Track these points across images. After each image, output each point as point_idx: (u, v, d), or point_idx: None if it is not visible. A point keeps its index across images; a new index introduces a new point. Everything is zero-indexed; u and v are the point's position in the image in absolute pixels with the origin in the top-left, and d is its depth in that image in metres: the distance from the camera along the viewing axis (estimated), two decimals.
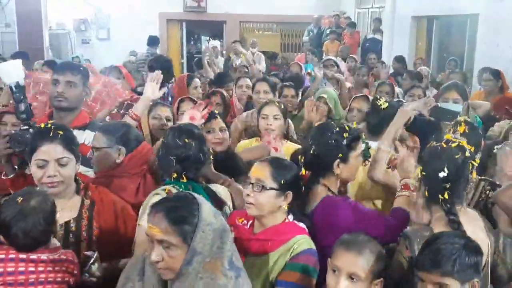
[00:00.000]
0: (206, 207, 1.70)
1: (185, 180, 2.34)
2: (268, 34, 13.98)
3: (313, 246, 2.10)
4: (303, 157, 2.45)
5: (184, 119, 3.01)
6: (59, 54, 11.50)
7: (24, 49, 9.82)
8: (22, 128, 2.60)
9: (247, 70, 6.97)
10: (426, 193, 2.10)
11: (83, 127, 2.90)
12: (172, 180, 2.34)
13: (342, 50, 9.70)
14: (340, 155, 2.36)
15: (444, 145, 2.10)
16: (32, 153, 2.19)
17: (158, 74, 3.23)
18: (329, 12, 12.98)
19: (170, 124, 3.41)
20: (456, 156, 2.06)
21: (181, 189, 2.24)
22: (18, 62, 2.86)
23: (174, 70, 10.79)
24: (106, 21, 12.95)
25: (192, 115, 3.06)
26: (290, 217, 2.17)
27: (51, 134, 2.18)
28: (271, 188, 2.09)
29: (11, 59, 5.22)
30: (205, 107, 3.01)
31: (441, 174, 2.05)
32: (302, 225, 2.16)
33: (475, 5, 7.62)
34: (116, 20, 12.81)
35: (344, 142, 2.38)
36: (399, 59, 7.82)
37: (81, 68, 2.98)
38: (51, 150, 2.17)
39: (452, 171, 2.04)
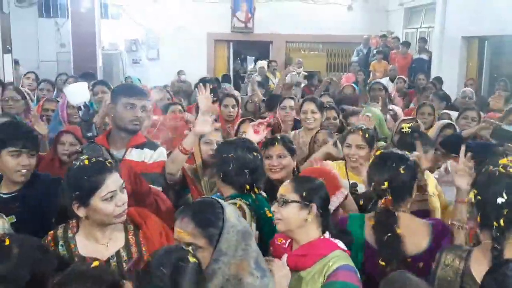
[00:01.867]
0: (230, 210, 1.80)
1: (257, 192, 2.49)
2: (314, 54, 14.01)
3: (351, 263, 2.07)
4: None
5: (249, 133, 3.18)
6: (111, 74, 11.88)
7: (79, 68, 10.23)
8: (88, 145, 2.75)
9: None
10: (479, 219, 2.03)
11: (141, 146, 3.04)
12: (245, 192, 2.46)
13: (391, 70, 9.60)
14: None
15: (502, 170, 2.05)
16: (93, 191, 2.02)
17: (211, 108, 3.21)
18: (377, 32, 12.92)
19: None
20: None
21: (247, 202, 2.35)
22: (84, 84, 3.03)
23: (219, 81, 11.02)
24: (156, 42, 13.32)
25: (256, 129, 3.22)
26: (327, 234, 2.16)
27: (108, 165, 2.10)
28: (293, 201, 2.12)
29: (79, 79, 5.47)
30: (267, 125, 3.12)
31: (500, 200, 1.97)
32: (339, 242, 2.15)
33: None
34: (165, 41, 13.16)
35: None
36: (438, 80, 7.74)
37: (147, 92, 3.15)
38: (115, 180, 2.08)
39: (510, 196, 1.97)
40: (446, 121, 4.51)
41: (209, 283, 1.69)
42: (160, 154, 3.11)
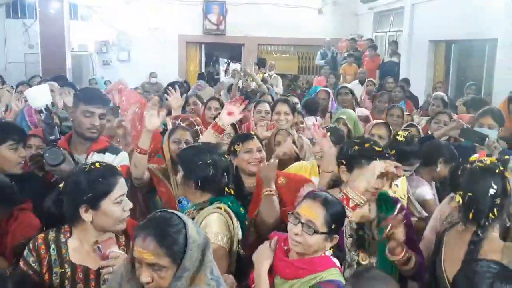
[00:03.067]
0: (191, 225, 1.75)
1: (232, 193, 2.50)
2: (286, 56, 14.10)
3: (343, 280, 2.05)
4: None
5: (223, 114, 3.17)
6: (80, 76, 11.73)
7: (47, 70, 10.08)
8: (50, 148, 2.70)
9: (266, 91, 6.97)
10: (471, 216, 2.15)
11: (103, 150, 3.00)
12: (226, 195, 2.47)
13: (361, 73, 9.74)
14: (343, 161, 2.46)
15: (481, 164, 2.16)
16: (107, 194, 2.01)
17: (154, 101, 3.25)
18: (346, 36, 13.10)
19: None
20: (497, 171, 2.13)
21: (228, 205, 2.38)
22: (46, 87, 2.98)
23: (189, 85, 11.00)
24: (127, 43, 13.21)
25: (230, 110, 3.21)
26: (328, 252, 2.14)
27: (117, 170, 2.11)
28: (322, 233, 2.05)
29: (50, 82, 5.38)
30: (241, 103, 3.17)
31: (492, 191, 2.11)
32: (336, 260, 2.13)
33: (494, 30, 7.63)
34: (136, 42, 13.07)
35: (349, 151, 2.44)
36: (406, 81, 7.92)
37: (108, 99, 3.12)
38: (123, 184, 2.09)
39: (499, 186, 2.12)
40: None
41: None
42: (123, 158, 3.07)
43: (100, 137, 3.02)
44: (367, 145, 2.44)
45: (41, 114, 2.84)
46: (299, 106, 5.59)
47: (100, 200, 1.99)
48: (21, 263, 2.03)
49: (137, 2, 12.80)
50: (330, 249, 2.13)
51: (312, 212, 2.06)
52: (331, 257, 2.14)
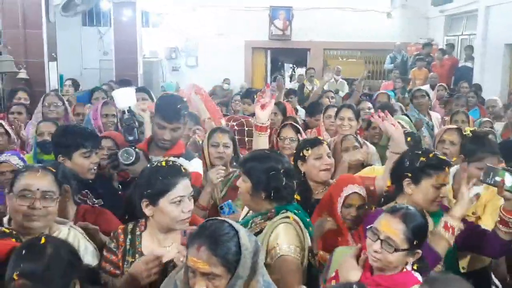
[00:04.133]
0: (242, 232, 1.73)
1: (298, 198, 2.49)
2: (352, 61, 13.93)
3: None
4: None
5: (257, 112, 2.98)
6: (151, 81, 12.12)
7: (120, 76, 10.49)
8: (125, 148, 2.82)
9: (332, 95, 6.91)
10: None
11: (178, 156, 2.98)
12: (294, 203, 2.40)
13: (432, 78, 9.44)
14: (409, 174, 2.39)
15: None
16: (164, 193, 2.08)
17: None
18: (415, 39, 12.76)
19: (228, 151, 3.24)
20: None
21: (295, 213, 2.31)
22: (132, 89, 3.11)
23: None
24: (195, 49, 13.51)
25: (261, 103, 2.97)
26: (409, 266, 2.05)
27: (183, 171, 2.15)
28: (403, 250, 1.97)
29: (117, 86, 5.61)
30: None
31: None
32: (418, 275, 2.04)
33: None
34: (204, 48, 13.34)
35: (417, 164, 2.39)
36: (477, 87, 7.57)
37: (186, 113, 3.15)
38: (186, 186, 2.14)
39: None
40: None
41: None
42: (196, 166, 3.13)
43: (178, 142, 3.11)
44: (431, 155, 2.41)
45: (124, 115, 2.97)
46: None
47: (159, 197, 2.08)
48: (105, 251, 2.19)
49: (205, 9, 13.07)
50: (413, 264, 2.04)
51: (391, 229, 1.97)
52: (413, 272, 2.04)
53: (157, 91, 10.99)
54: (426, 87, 8.82)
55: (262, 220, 2.30)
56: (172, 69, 13.59)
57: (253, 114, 5.11)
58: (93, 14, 12.88)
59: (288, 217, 2.26)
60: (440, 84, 8.24)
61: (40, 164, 2.34)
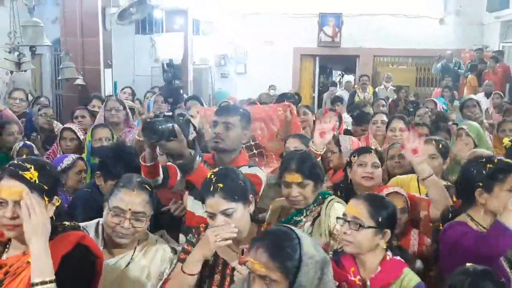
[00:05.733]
0: (307, 241, 1.72)
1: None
2: (403, 68, 13.68)
3: (419, 279, 2.14)
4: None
5: (315, 137, 3.14)
6: (200, 87, 12.31)
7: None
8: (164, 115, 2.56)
9: (384, 104, 6.83)
10: None
11: (241, 167, 2.86)
12: None
13: (487, 85, 9.16)
14: (481, 184, 2.35)
15: None
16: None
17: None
18: (469, 46, 12.40)
19: None
20: None
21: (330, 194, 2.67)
22: (180, 35, 2.85)
23: (305, 102, 11.06)
24: (244, 56, 13.63)
25: (322, 129, 3.13)
26: (389, 253, 2.19)
27: (211, 189, 2.13)
28: (369, 227, 2.13)
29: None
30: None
31: None
32: (401, 259, 2.21)
33: None
34: (252, 55, 13.44)
35: (484, 172, 2.36)
36: None
37: (241, 110, 2.93)
38: (213, 204, 2.14)
39: None
40: None
41: None
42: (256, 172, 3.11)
43: (240, 155, 2.90)
44: (496, 160, 2.40)
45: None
46: None
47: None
48: (185, 244, 2.29)
49: (254, 16, 13.18)
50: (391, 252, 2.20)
51: (356, 209, 2.18)
52: (397, 258, 2.19)
53: (206, 98, 11.18)
54: (480, 96, 8.58)
55: (316, 206, 2.63)
56: (221, 76, 13.75)
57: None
58: (145, 23, 13.21)
59: (333, 197, 2.65)
60: (496, 92, 7.99)
61: (138, 180, 2.31)
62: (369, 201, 2.18)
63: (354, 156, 3.11)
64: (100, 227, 2.36)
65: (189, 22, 11.35)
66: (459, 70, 11.49)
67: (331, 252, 2.34)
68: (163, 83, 2.90)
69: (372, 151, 3.17)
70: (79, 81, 7.14)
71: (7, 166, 1.88)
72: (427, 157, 3.11)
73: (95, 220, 2.43)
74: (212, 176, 2.17)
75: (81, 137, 4.39)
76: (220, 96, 11.24)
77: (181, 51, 3.09)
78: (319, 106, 13.81)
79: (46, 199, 1.86)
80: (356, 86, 11.47)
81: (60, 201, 1.96)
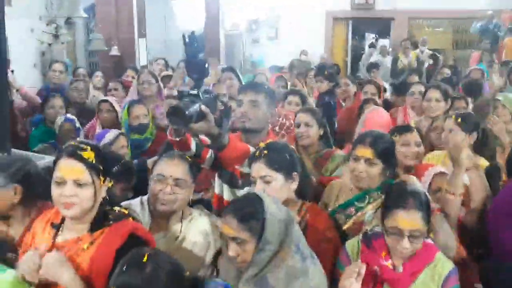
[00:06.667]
0: (269, 201, 1.91)
1: None
2: (439, 30, 13.26)
3: (453, 265, 2.15)
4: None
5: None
6: (232, 54, 12.23)
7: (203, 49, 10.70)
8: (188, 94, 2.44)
9: (448, 72, 6.61)
10: None
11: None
12: None
13: None
14: None
15: None
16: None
17: None
18: (510, 6, 11.88)
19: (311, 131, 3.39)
20: None
21: None
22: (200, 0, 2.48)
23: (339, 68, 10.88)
24: (276, 21, 13.40)
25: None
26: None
27: (257, 154, 2.34)
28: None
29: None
30: None
31: None
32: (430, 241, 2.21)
33: None
34: (284, 20, 13.18)
35: None
36: None
37: (266, 87, 2.85)
38: (255, 169, 2.34)
39: None
40: None
41: (253, 270, 1.84)
42: None
43: (268, 135, 2.81)
44: None
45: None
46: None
47: None
48: None
49: None
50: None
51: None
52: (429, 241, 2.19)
53: (237, 64, 11.11)
54: None
55: (380, 193, 2.45)
56: (252, 41, 13.58)
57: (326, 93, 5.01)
58: None
59: None
60: None
61: (179, 152, 2.47)
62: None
63: (395, 135, 3.01)
64: (145, 202, 2.46)
65: None
66: (499, 32, 11.06)
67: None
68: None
69: (414, 129, 3.10)
70: (114, 52, 7.17)
71: (64, 147, 1.96)
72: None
73: (138, 198, 2.53)
74: (263, 144, 2.35)
75: (118, 109, 4.45)
76: (259, 65, 10.98)
77: (202, 18, 2.90)
78: (352, 70, 13.59)
79: (102, 178, 1.93)
80: (391, 50, 11.21)
81: (111, 182, 2.03)
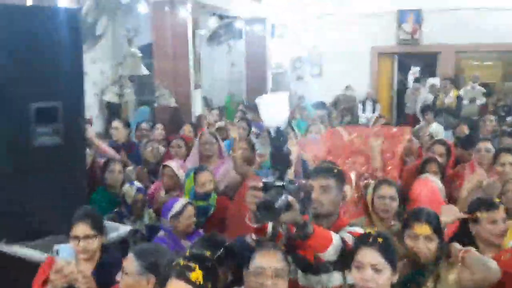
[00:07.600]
0: None
1: None
2: (488, 64, 13.03)
3: None
4: None
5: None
6: (277, 91, 12.31)
7: (250, 88, 10.83)
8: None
9: (492, 119, 6.45)
10: None
11: None
12: None
13: None
14: None
15: None
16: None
17: None
18: None
19: (394, 204, 3.33)
20: None
21: None
22: (284, 95, 2.24)
23: (383, 102, 10.81)
24: (319, 58, 13.47)
25: None
26: None
27: (370, 240, 2.24)
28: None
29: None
30: None
31: None
32: None
33: None
34: (328, 56, 13.22)
35: None
36: None
37: (335, 171, 2.71)
38: (368, 255, 2.23)
39: None
40: None
41: None
42: None
43: (338, 220, 2.69)
44: None
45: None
46: None
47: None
48: None
49: (329, 16, 12.94)
50: None
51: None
52: None
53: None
54: None
55: (434, 266, 2.56)
56: (296, 78, 13.68)
57: None
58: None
59: None
60: None
61: (272, 244, 2.44)
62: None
63: (482, 212, 2.93)
64: None
65: (268, 27, 11.38)
66: None
67: None
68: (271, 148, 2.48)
69: (500, 205, 3.01)
70: (172, 103, 7.31)
71: (174, 265, 2.01)
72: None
73: None
74: (372, 230, 2.34)
75: (180, 174, 4.44)
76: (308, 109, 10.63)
77: (287, 112, 2.49)
78: (398, 105, 13.47)
79: None
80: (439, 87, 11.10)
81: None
